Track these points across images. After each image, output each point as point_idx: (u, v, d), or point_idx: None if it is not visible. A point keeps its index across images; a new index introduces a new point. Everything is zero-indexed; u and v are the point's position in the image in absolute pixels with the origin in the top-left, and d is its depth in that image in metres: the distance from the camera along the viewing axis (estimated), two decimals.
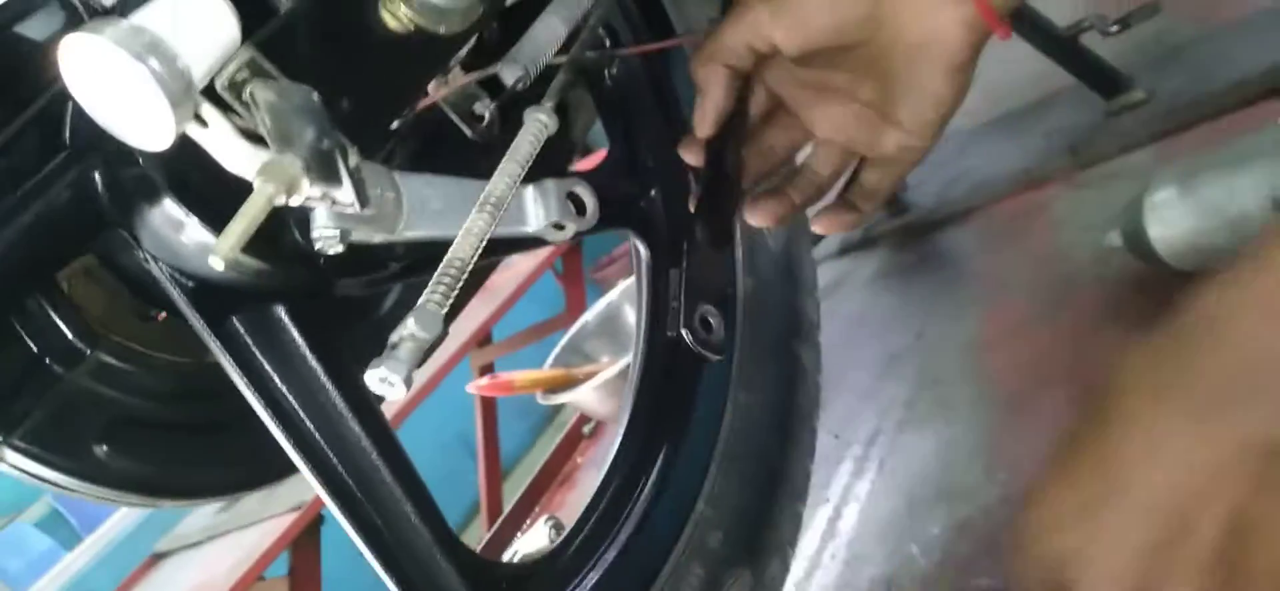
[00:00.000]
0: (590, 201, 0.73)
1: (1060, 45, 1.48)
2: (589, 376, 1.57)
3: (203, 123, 0.48)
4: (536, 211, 0.69)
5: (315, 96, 0.48)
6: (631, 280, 1.80)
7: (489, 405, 2.52)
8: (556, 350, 1.75)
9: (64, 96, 0.64)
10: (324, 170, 0.50)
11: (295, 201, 0.50)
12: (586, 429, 1.98)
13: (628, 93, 0.94)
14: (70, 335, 0.70)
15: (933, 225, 1.62)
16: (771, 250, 0.98)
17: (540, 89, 0.68)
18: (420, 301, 0.55)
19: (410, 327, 0.54)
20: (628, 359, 1.47)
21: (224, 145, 0.49)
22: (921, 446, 1.11)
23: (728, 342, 0.89)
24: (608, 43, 0.88)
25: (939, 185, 1.69)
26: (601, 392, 1.49)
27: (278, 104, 0.48)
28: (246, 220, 0.47)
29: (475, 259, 0.59)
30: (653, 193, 0.94)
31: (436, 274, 0.57)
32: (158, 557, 2.53)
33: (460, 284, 0.58)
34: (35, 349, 0.68)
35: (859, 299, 1.56)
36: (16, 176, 0.61)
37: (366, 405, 0.70)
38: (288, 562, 1.92)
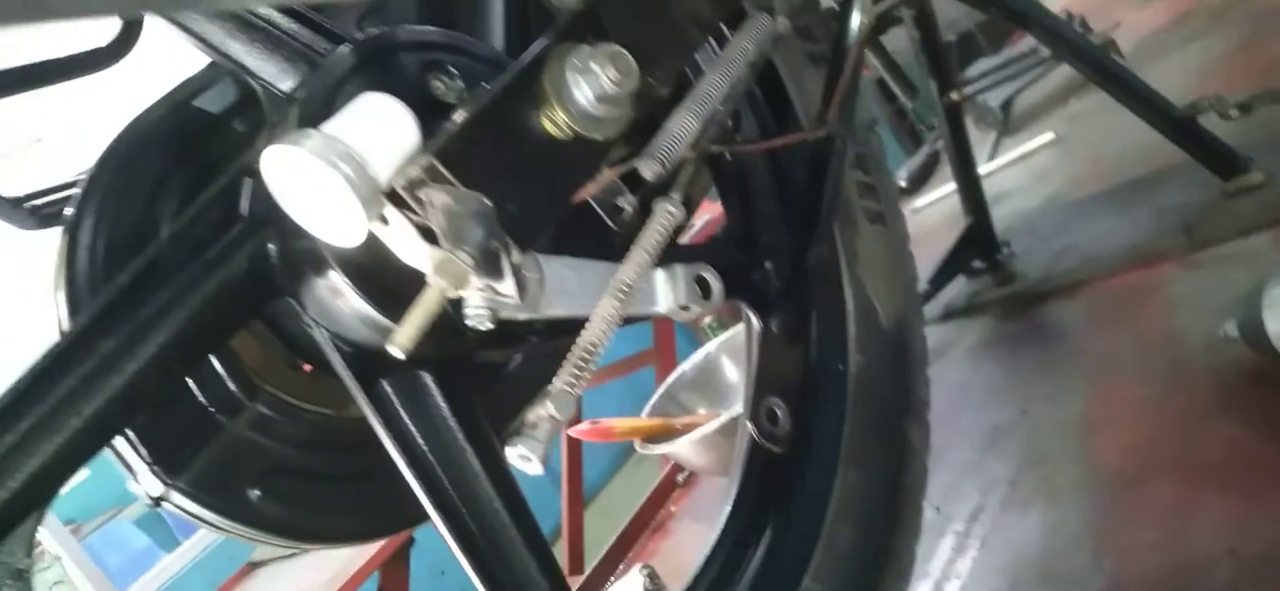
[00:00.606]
0: (716, 285, 0.76)
1: (1176, 124, 1.47)
2: (687, 428, 1.60)
3: (384, 221, 0.53)
4: (666, 294, 0.73)
5: (487, 203, 0.52)
6: (730, 333, 1.83)
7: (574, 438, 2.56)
8: (654, 398, 1.78)
9: (242, 172, 0.71)
10: (490, 267, 0.54)
11: (462, 294, 0.54)
12: (681, 477, 2.00)
13: (745, 169, 0.98)
14: (233, 387, 0.76)
15: (1039, 297, 1.60)
16: (883, 326, 1.00)
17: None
18: (555, 384, 0.59)
19: (548, 409, 0.58)
20: (727, 414, 1.49)
21: (402, 241, 0.54)
22: (1025, 527, 1.11)
23: (828, 428, 0.92)
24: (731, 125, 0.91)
25: (1046, 256, 1.68)
26: (700, 447, 1.51)
27: (452, 208, 0.53)
28: (423, 313, 0.52)
29: (606, 340, 0.63)
30: (766, 266, 0.97)
31: (570, 357, 0.61)
32: (253, 566, 2.63)
33: (592, 365, 0.62)
34: (203, 400, 0.75)
35: (962, 368, 1.56)
36: (199, 246, 0.67)
37: (498, 466, 0.74)
38: (377, 582, 1.99)
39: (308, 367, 0.84)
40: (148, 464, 0.72)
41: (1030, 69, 2.00)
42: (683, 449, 1.53)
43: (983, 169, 2.06)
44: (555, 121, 0.59)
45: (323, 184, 0.49)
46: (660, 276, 0.73)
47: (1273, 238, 1.35)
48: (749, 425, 0.82)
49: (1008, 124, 2.58)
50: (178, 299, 0.64)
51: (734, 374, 1.74)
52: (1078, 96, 2.47)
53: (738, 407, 1.60)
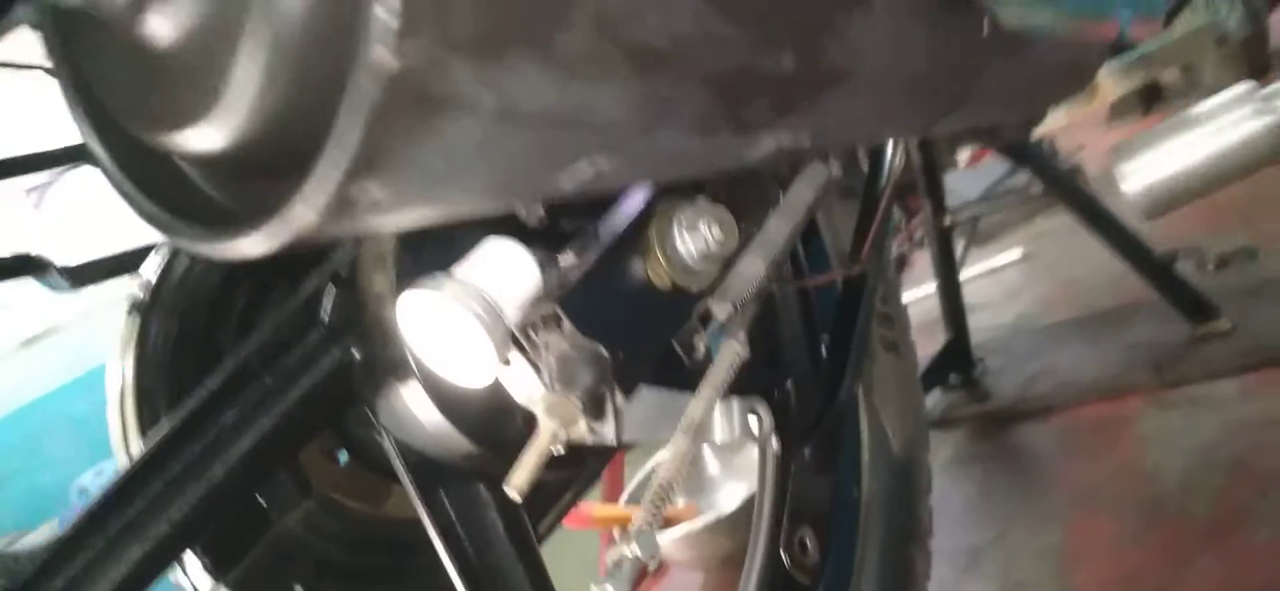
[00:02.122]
0: (766, 420, 0.79)
1: (1152, 267, 1.55)
2: (666, 522, 1.62)
3: (507, 362, 0.55)
4: (722, 427, 0.76)
5: (604, 354, 0.55)
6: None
7: None
8: (631, 486, 1.80)
9: (327, 279, 0.73)
10: (596, 412, 0.56)
11: (570, 435, 0.56)
12: (651, 563, 2.01)
13: (774, 295, 1.02)
14: (289, 484, 0.77)
15: (1013, 417, 1.67)
16: (895, 454, 1.04)
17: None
18: (636, 524, 0.62)
19: (632, 549, 0.60)
20: (713, 514, 1.52)
21: (517, 381, 0.57)
22: None
23: (842, 554, 0.95)
24: None
25: (1020, 378, 1.75)
26: (683, 543, 1.53)
27: (568, 353, 0.55)
28: (537, 455, 0.54)
29: (681, 476, 0.66)
30: (787, 385, 1.01)
31: (648, 496, 0.63)
32: None
33: (668, 504, 0.64)
34: (259, 498, 0.75)
35: (938, 483, 1.59)
36: (280, 351, 0.68)
37: (543, 579, 0.76)
38: None
39: (343, 460, 0.85)
40: (199, 558, 0.72)
41: (1014, 198, 2.11)
42: (667, 543, 1.55)
43: None
44: (657, 272, 0.62)
45: (459, 329, 0.51)
46: (718, 408, 0.76)
47: (1239, 385, 1.43)
48: (783, 555, 0.85)
49: (975, 235, 2.67)
50: (263, 405, 0.65)
51: (715, 467, 1.77)
52: (1044, 215, 2.59)
53: (722, 506, 1.64)
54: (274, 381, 0.66)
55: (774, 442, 1.00)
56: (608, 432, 0.58)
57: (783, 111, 0.41)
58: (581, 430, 0.56)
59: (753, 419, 0.79)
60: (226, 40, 0.26)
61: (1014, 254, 2.41)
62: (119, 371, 0.74)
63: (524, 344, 0.57)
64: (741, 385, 0.82)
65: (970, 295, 2.35)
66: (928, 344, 1.90)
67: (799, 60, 0.39)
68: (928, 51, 0.49)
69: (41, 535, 2.56)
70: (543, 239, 0.70)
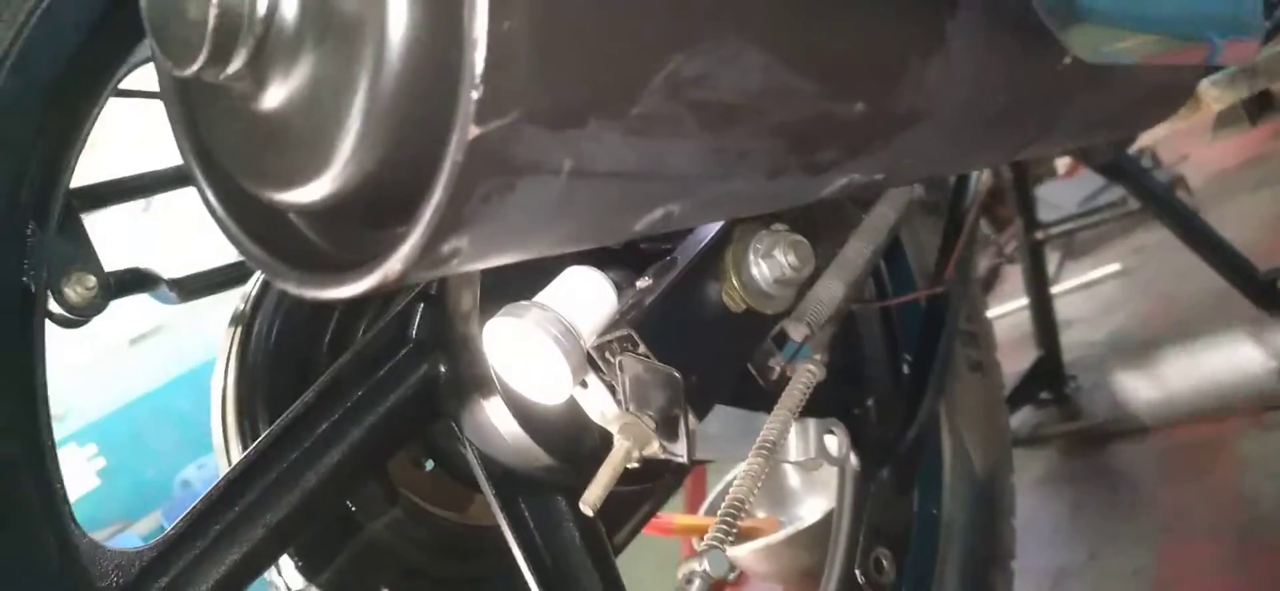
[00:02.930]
0: (843, 441, 0.79)
1: (1255, 285, 1.49)
2: (746, 532, 1.62)
3: (584, 384, 0.57)
4: (799, 446, 0.76)
5: (677, 377, 0.56)
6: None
7: None
8: (712, 496, 1.81)
9: (418, 297, 0.76)
10: (669, 432, 0.58)
11: (643, 454, 0.58)
12: (731, 574, 2.02)
13: (853, 313, 1.01)
14: (378, 491, 0.80)
15: (1105, 437, 1.62)
16: (977, 475, 1.03)
17: None
18: (708, 540, 0.63)
19: (703, 565, 0.62)
20: (793, 527, 1.51)
21: (593, 401, 0.58)
22: None
23: (920, 574, 0.94)
24: None
25: (1113, 395, 1.70)
26: (764, 555, 1.53)
27: (642, 376, 0.57)
28: (611, 472, 0.56)
29: (753, 496, 0.67)
30: (869, 404, 1.00)
31: (721, 513, 0.64)
32: None
33: (739, 520, 0.65)
34: (350, 503, 0.78)
35: (1028, 501, 1.57)
36: (372, 365, 0.72)
37: (617, 587, 0.77)
38: None
39: (429, 466, 0.88)
40: (293, 560, 0.75)
41: (1111, 212, 2.05)
42: (744, 556, 1.55)
43: None
44: (732, 296, 0.63)
45: (539, 352, 0.53)
46: (794, 429, 0.76)
47: None
48: (857, 574, 0.85)
49: (1071, 249, 2.60)
50: (354, 417, 0.68)
51: (796, 480, 1.76)
52: (1144, 228, 2.50)
53: (803, 519, 1.63)
54: (365, 394, 0.69)
55: (853, 461, 1.00)
56: (680, 452, 0.59)
57: (855, 153, 0.42)
58: (654, 449, 0.58)
59: (829, 439, 0.79)
60: (333, 109, 0.28)
61: (1111, 268, 2.34)
62: (220, 380, 0.78)
63: (601, 365, 0.58)
64: (821, 404, 0.83)
65: (1064, 310, 2.29)
66: (1019, 359, 1.86)
67: (871, 105, 0.40)
68: (1008, 86, 0.49)
69: (145, 526, 2.69)
70: (624, 262, 0.72)
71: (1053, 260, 2.61)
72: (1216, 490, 1.36)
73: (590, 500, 0.55)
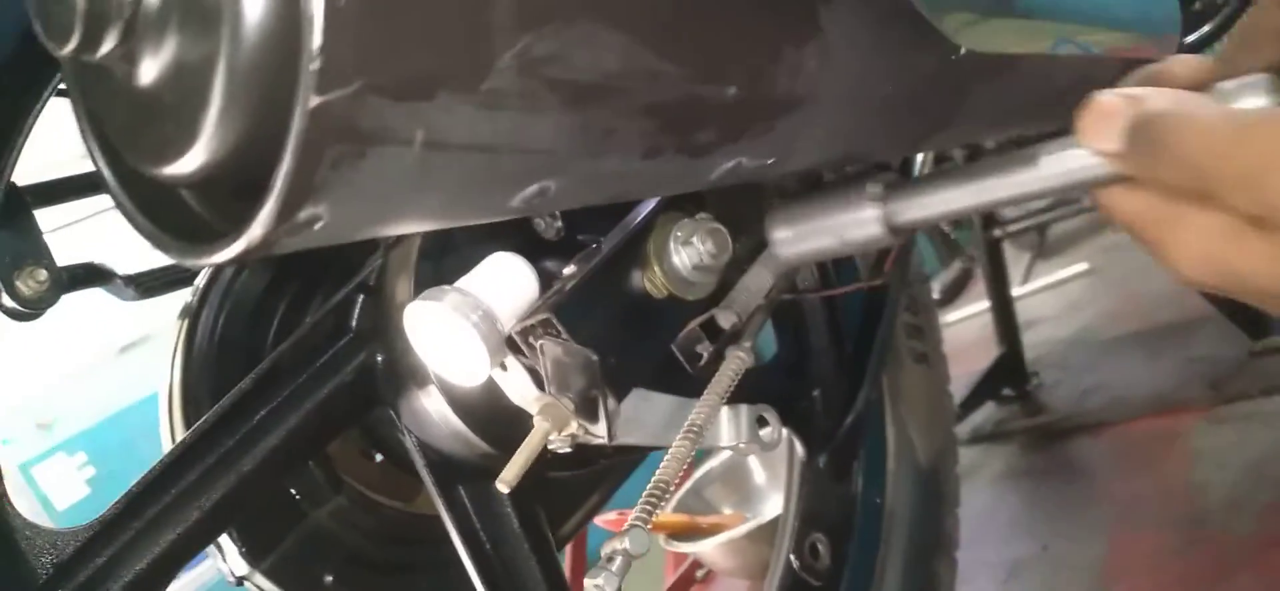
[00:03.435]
0: (774, 425, 0.81)
1: None
2: (712, 528, 1.64)
3: (503, 367, 0.59)
4: (729, 431, 0.78)
5: (594, 359, 0.58)
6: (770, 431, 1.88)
7: None
8: (679, 493, 1.83)
9: (356, 289, 0.77)
10: (588, 413, 0.60)
11: (562, 433, 0.60)
12: (700, 573, 2.04)
13: (801, 306, 1.04)
14: (322, 479, 0.82)
15: (1064, 431, 1.65)
16: (921, 464, 1.05)
17: None
18: (630, 519, 0.65)
19: (624, 544, 0.63)
20: (755, 522, 1.53)
21: (513, 383, 0.60)
22: None
23: (862, 561, 0.97)
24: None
25: (1074, 392, 1.73)
26: (727, 550, 1.55)
27: (562, 359, 0.59)
28: (527, 453, 0.58)
29: (677, 477, 0.68)
30: (815, 394, 1.02)
31: (644, 494, 0.66)
32: None
33: (664, 501, 0.67)
34: (294, 491, 0.80)
35: (986, 495, 1.60)
36: (311, 353, 0.73)
37: (557, 575, 0.79)
38: None
39: (379, 458, 0.90)
40: (236, 545, 0.77)
41: (1073, 211, 2.08)
42: (709, 552, 1.57)
43: (1016, 290, 2.13)
44: (654, 283, 0.65)
45: (457, 335, 0.55)
46: (725, 414, 0.78)
47: None
48: (792, 558, 0.87)
49: (1042, 247, 2.64)
50: (292, 404, 0.70)
51: (761, 476, 1.79)
52: (1113, 227, 2.53)
53: (766, 515, 1.65)
54: (303, 383, 0.71)
55: (799, 450, 1.02)
56: (600, 432, 0.61)
57: (735, 137, 0.44)
58: (573, 430, 0.60)
59: (763, 426, 0.81)
60: (197, 86, 0.31)
61: (1080, 267, 2.37)
62: (168, 373, 0.80)
63: (522, 349, 0.60)
64: (765, 393, 0.85)
65: (1032, 308, 2.32)
66: (985, 357, 1.89)
67: (745, 90, 0.42)
68: (896, 76, 0.51)
69: None
70: (558, 251, 0.74)
71: (1023, 260, 2.65)
72: (1168, 482, 1.39)
73: (506, 478, 0.57)
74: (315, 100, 0.27)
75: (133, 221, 0.37)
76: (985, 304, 2.19)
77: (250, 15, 0.29)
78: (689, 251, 0.65)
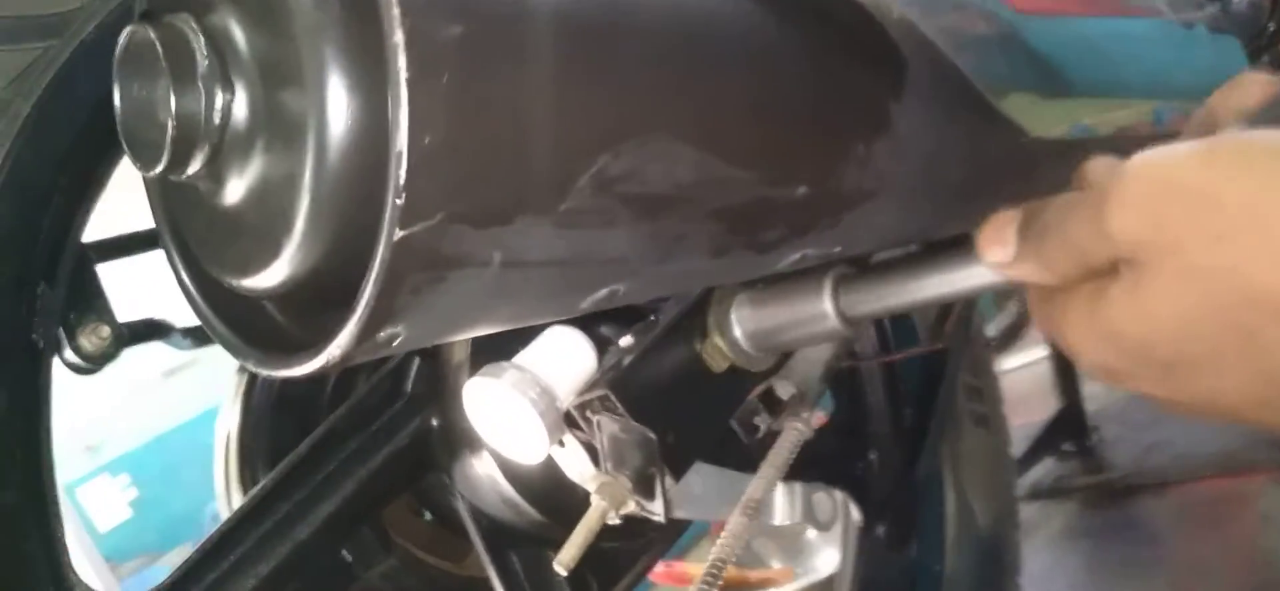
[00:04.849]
0: (834, 502, 0.80)
1: None
2: (760, 582, 1.62)
3: (562, 444, 0.59)
4: (784, 509, 0.77)
5: (652, 437, 0.57)
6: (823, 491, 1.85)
7: None
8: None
9: (412, 353, 0.78)
10: (645, 491, 0.59)
11: (619, 513, 0.59)
12: None
13: (858, 370, 1.02)
14: (373, 540, 0.82)
15: (1127, 490, 1.61)
16: (980, 530, 1.03)
17: None
18: None
19: None
20: (806, 580, 1.51)
21: (571, 460, 0.60)
22: None
23: None
24: None
25: (1137, 449, 1.68)
26: None
27: (619, 436, 0.58)
28: (586, 531, 0.57)
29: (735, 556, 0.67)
30: (871, 456, 1.01)
31: (703, 572, 0.65)
32: None
33: (721, 579, 0.66)
34: (345, 552, 0.80)
35: (1046, 555, 1.56)
36: (368, 418, 0.74)
37: None
38: None
39: (428, 517, 0.90)
40: None
41: None
42: None
43: None
44: (713, 355, 0.64)
45: (516, 413, 0.55)
46: (781, 490, 0.77)
47: None
48: None
49: None
50: (347, 469, 0.70)
51: (813, 531, 1.76)
52: None
53: (818, 571, 1.62)
54: (359, 446, 0.71)
55: (855, 516, 1.00)
56: (657, 510, 0.61)
57: (803, 232, 0.44)
58: (631, 508, 0.59)
59: (818, 499, 0.80)
60: (280, 207, 0.31)
61: None
62: (226, 425, 0.81)
63: (580, 424, 0.60)
64: (822, 458, 0.83)
65: None
66: (1042, 410, 1.85)
67: (814, 188, 0.41)
68: (965, 161, 0.50)
69: (174, 558, 2.73)
70: (613, 319, 0.74)
71: None
72: (1235, 545, 1.34)
73: (564, 561, 0.56)
74: (399, 233, 0.27)
75: (211, 329, 0.37)
76: (1043, 350, 2.14)
77: (336, 142, 0.29)
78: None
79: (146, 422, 2.97)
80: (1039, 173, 0.58)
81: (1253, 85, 0.49)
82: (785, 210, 0.41)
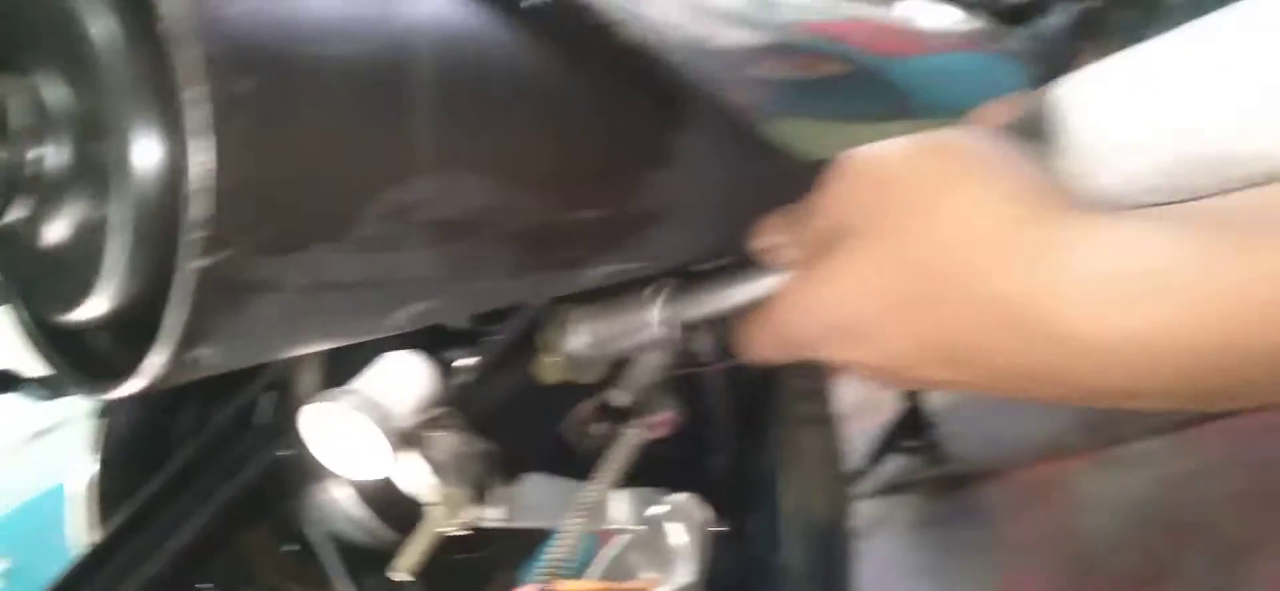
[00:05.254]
0: (672, 504, 0.86)
1: None
2: None
3: (401, 461, 0.63)
4: (623, 511, 0.83)
5: (488, 450, 0.62)
6: (682, 497, 1.92)
7: None
8: (598, 560, 1.86)
9: (263, 386, 0.80)
10: (484, 499, 0.64)
11: (459, 520, 0.64)
12: None
13: (702, 374, 1.09)
14: (234, 571, 0.83)
15: (965, 480, 1.73)
16: (816, 525, 1.10)
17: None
18: None
19: None
20: (668, 587, 1.57)
21: (411, 475, 0.64)
22: None
23: None
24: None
25: (973, 442, 1.81)
26: None
27: (458, 450, 0.63)
28: (425, 541, 0.62)
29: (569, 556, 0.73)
30: (716, 457, 1.08)
31: (536, 570, 0.70)
32: None
33: (553, 579, 0.71)
34: (206, 585, 0.82)
35: (894, 544, 1.67)
36: (220, 450, 0.76)
37: None
38: None
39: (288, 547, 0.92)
40: None
41: None
42: None
43: None
44: (547, 369, 0.69)
45: (353, 435, 0.59)
46: (618, 496, 0.83)
47: (1172, 441, 1.50)
48: None
49: None
50: (200, 502, 0.72)
51: (679, 539, 1.82)
52: None
53: (679, 580, 1.68)
54: (211, 479, 0.74)
55: (702, 515, 1.07)
56: (496, 517, 0.65)
57: (603, 251, 0.49)
58: (469, 517, 0.64)
59: (660, 504, 0.86)
60: (94, 248, 0.35)
61: None
62: (82, 475, 0.81)
63: (419, 442, 0.64)
64: (666, 462, 0.89)
65: None
66: (889, 410, 1.97)
67: (607, 211, 0.47)
68: (757, 183, 0.57)
69: None
70: (464, 339, 0.78)
71: None
72: (1055, 525, 1.47)
73: (402, 567, 0.60)
74: (197, 264, 0.31)
75: (45, 359, 0.40)
76: None
77: (141, 187, 0.33)
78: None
79: (16, 488, 2.83)
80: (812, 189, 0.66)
81: (1005, 106, 0.58)
82: (579, 233, 0.47)
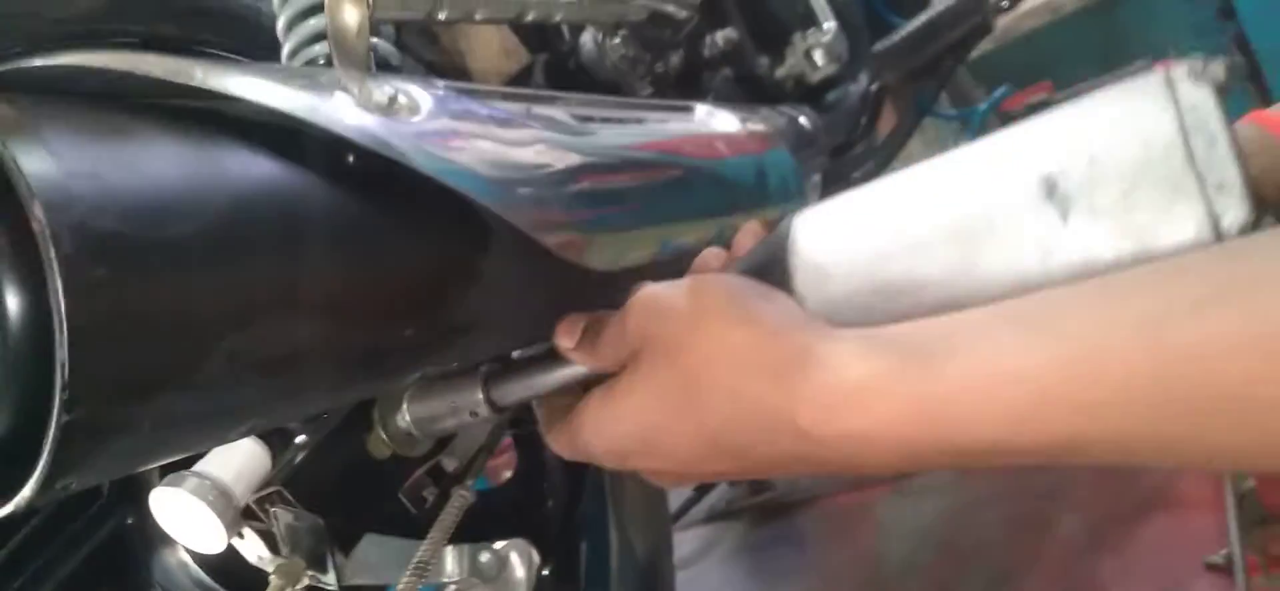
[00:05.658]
0: (494, 561, 0.95)
1: None
2: None
3: (241, 535, 0.70)
4: (453, 566, 0.91)
5: (320, 523, 0.70)
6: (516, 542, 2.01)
7: None
8: None
9: None
10: (319, 566, 0.72)
11: (297, 587, 0.71)
12: None
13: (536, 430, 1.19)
14: None
15: (784, 507, 1.88)
16: (639, 563, 1.22)
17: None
18: None
19: None
20: None
21: (251, 547, 0.71)
22: None
23: None
24: None
25: None
26: None
27: (293, 524, 0.71)
28: None
29: None
30: (550, 504, 1.18)
31: None
32: None
33: None
34: None
35: (718, 572, 1.80)
36: (67, 520, 0.81)
37: None
38: None
39: None
40: None
41: None
42: None
43: None
44: (378, 444, 0.77)
45: (196, 514, 0.66)
46: (450, 552, 0.91)
47: (956, 473, 1.69)
48: None
49: None
50: (47, 571, 0.77)
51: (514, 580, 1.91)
52: None
53: None
54: (57, 550, 0.78)
55: (535, 559, 1.16)
56: (330, 583, 0.73)
57: (418, 359, 0.58)
58: (306, 584, 0.71)
59: (483, 557, 0.95)
60: None
61: None
62: None
63: (259, 517, 0.72)
64: (506, 511, 0.98)
65: None
66: None
67: (421, 328, 0.56)
68: (555, 291, 0.67)
69: None
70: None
71: None
72: (859, 550, 1.63)
73: None
74: (65, 418, 0.39)
75: None
76: None
77: (13, 341, 0.41)
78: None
79: None
80: (601, 296, 0.77)
81: (746, 236, 0.69)
82: (397, 349, 0.56)
